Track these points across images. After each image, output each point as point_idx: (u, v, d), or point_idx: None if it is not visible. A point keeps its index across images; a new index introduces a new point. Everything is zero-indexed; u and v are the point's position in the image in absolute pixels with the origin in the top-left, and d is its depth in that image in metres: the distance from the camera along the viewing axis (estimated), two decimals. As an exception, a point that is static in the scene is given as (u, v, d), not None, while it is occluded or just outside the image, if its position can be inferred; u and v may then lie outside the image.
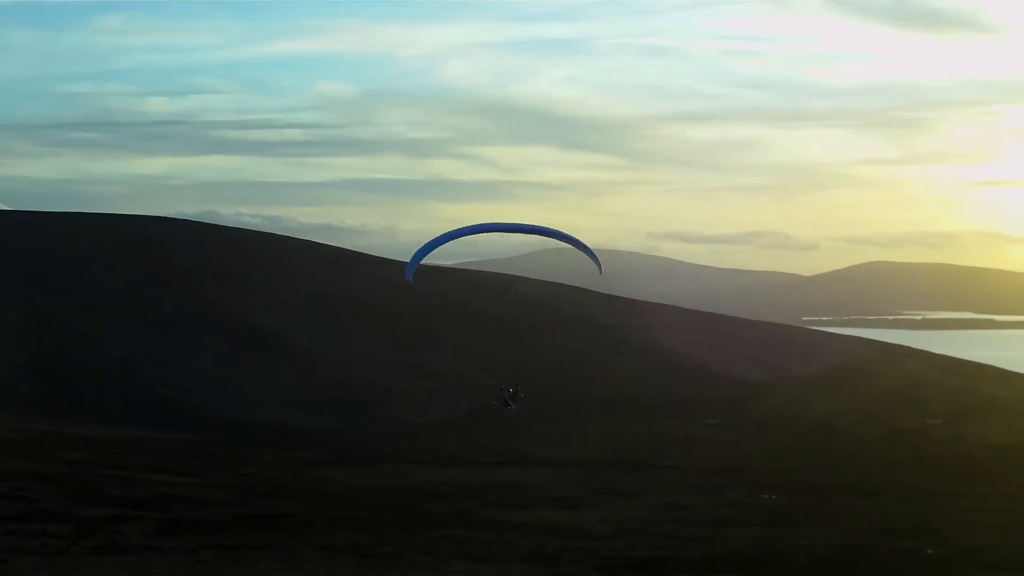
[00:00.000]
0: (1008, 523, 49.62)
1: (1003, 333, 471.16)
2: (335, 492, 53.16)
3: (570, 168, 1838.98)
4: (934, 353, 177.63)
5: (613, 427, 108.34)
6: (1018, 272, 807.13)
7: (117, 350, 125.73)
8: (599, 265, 49.05)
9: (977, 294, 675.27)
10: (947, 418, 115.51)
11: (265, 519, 42.87)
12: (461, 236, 47.67)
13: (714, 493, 59.01)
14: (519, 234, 49.57)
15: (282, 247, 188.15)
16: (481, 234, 48.43)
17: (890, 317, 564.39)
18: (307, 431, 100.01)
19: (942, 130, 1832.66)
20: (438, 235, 47.50)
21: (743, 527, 46.38)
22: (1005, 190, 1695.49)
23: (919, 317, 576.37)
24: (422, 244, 46.35)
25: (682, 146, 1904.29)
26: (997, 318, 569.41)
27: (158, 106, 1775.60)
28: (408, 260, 48.79)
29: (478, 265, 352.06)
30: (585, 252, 48.33)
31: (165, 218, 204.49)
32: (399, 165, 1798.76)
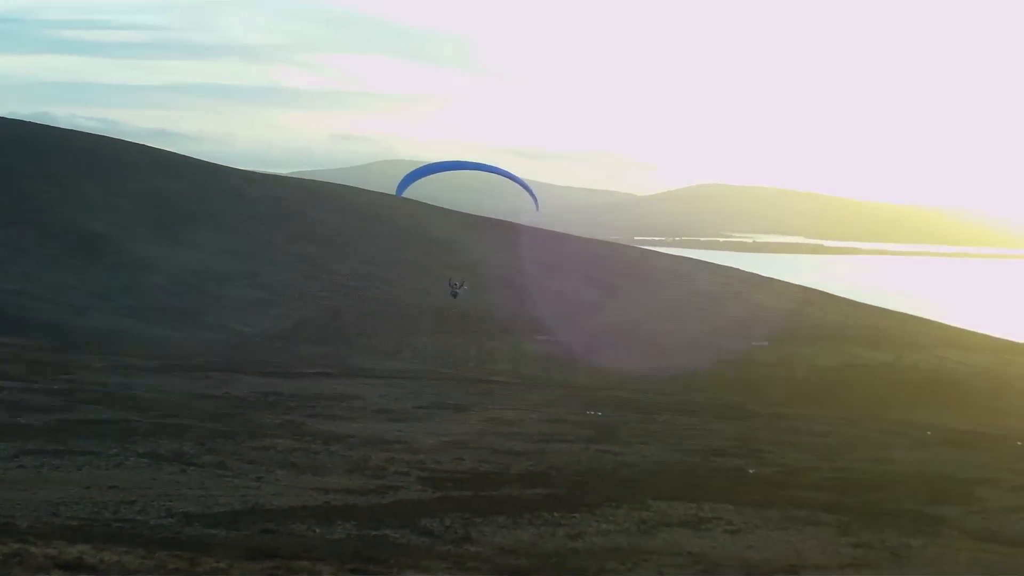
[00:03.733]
0: (828, 444, 50.89)
1: (831, 259, 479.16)
2: (161, 400, 52.76)
3: (410, 80, 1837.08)
4: (763, 276, 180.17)
5: (443, 341, 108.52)
6: (849, 199, 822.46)
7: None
8: (536, 202, 50.78)
9: (808, 219, 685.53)
10: (773, 341, 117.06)
11: (89, 425, 42.47)
12: (446, 170, 49.28)
13: (541, 409, 59.57)
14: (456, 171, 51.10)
15: (115, 150, 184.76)
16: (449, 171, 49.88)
17: (721, 239, 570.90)
18: (135, 337, 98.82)
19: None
20: (429, 163, 49.66)
21: (569, 443, 46.93)
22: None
23: (750, 240, 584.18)
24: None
25: (523, 62, 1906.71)
26: (826, 243, 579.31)
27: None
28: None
29: (315, 175, 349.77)
30: (527, 191, 49.80)
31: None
32: (237, 70, 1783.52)
